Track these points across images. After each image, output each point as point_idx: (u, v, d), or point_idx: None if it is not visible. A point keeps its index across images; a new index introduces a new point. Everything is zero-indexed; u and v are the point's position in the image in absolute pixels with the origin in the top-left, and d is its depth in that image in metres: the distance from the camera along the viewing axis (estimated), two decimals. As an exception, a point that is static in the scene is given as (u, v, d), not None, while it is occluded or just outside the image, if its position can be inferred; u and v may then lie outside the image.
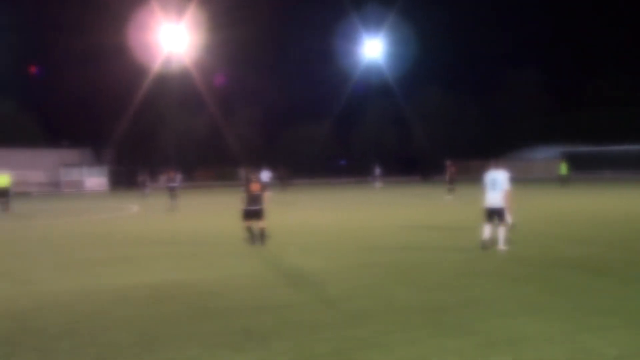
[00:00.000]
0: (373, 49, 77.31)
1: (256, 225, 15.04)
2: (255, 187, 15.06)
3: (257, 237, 14.89)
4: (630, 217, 20.10)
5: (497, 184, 12.93)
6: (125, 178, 64.12)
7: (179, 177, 32.56)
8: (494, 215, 12.99)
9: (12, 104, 71.64)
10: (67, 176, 60.31)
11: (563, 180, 43.07)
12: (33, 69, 77.63)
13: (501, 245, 12.82)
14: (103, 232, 19.28)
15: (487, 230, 13.06)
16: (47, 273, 11.39)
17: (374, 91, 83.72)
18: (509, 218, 13.37)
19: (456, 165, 34.53)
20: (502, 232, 12.89)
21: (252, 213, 14.92)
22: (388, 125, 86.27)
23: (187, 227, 20.13)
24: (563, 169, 43.79)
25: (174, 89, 69.92)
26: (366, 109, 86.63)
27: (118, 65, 66.75)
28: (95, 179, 61.46)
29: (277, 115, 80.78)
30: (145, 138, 73.10)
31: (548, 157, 70.94)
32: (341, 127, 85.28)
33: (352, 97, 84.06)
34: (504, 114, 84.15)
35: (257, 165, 26.55)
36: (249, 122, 77.95)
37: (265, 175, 33.05)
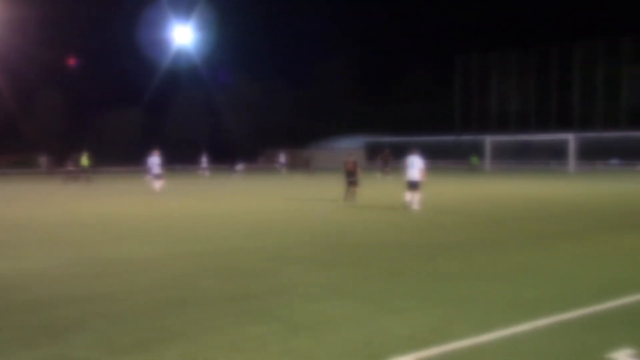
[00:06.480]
0: (183, 35, 75.10)
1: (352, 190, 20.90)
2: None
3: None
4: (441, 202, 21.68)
5: (415, 164, 18.48)
6: None
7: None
8: (413, 186, 18.43)
9: None
10: None
11: (473, 169, 52.28)
12: None
13: (416, 206, 18.42)
14: None
15: (408, 196, 18.66)
16: None
17: (185, 79, 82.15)
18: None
19: (389, 153, 44.25)
20: (416, 197, 18.50)
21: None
22: (199, 113, 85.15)
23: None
24: (475, 160, 54.62)
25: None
26: (177, 96, 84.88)
27: None
28: None
29: (83, 101, 76.39)
30: None
31: (353, 147, 74.43)
32: (153, 114, 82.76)
33: (163, 85, 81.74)
34: (316, 103, 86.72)
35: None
36: (49, 107, 72.98)
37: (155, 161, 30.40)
